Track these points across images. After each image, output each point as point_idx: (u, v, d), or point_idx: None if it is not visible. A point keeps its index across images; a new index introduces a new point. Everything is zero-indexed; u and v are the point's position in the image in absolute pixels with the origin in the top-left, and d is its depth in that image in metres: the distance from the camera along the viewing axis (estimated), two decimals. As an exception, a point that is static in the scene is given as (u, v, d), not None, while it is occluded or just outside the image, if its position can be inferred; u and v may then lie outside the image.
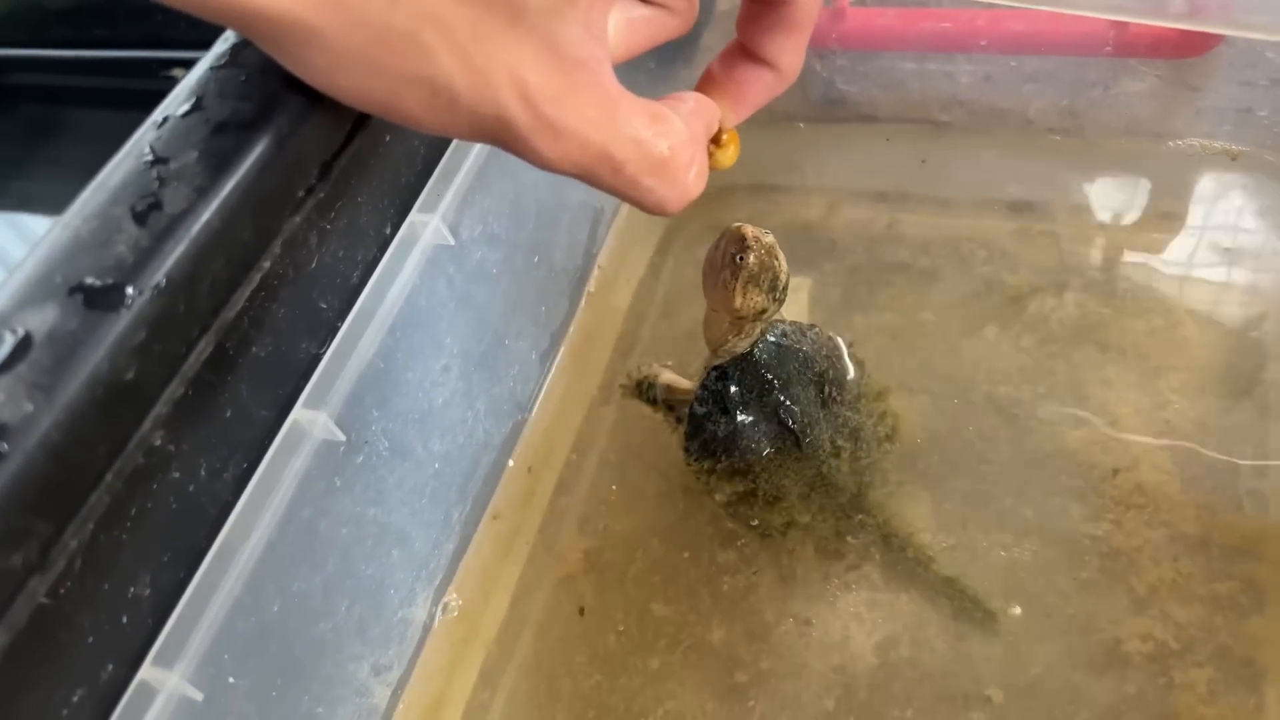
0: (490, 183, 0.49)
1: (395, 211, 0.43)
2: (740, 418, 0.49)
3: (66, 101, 0.92)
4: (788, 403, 0.49)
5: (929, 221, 0.64)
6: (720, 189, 0.68)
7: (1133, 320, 0.56)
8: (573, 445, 0.57)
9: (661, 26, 0.33)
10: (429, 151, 0.45)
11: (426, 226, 0.44)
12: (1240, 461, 0.50)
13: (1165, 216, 0.60)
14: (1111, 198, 0.62)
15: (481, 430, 0.52)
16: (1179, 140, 0.61)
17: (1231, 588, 0.47)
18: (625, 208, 0.67)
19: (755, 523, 0.51)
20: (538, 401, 0.58)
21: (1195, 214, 0.60)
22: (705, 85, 0.36)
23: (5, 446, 0.24)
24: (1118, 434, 0.52)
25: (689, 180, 0.32)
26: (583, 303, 0.62)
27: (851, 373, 0.52)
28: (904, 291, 0.60)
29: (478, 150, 0.46)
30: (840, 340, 0.53)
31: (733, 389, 0.49)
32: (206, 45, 0.35)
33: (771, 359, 0.49)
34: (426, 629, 0.50)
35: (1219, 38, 0.55)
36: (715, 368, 0.50)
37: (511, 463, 0.56)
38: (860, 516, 0.51)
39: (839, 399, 0.51)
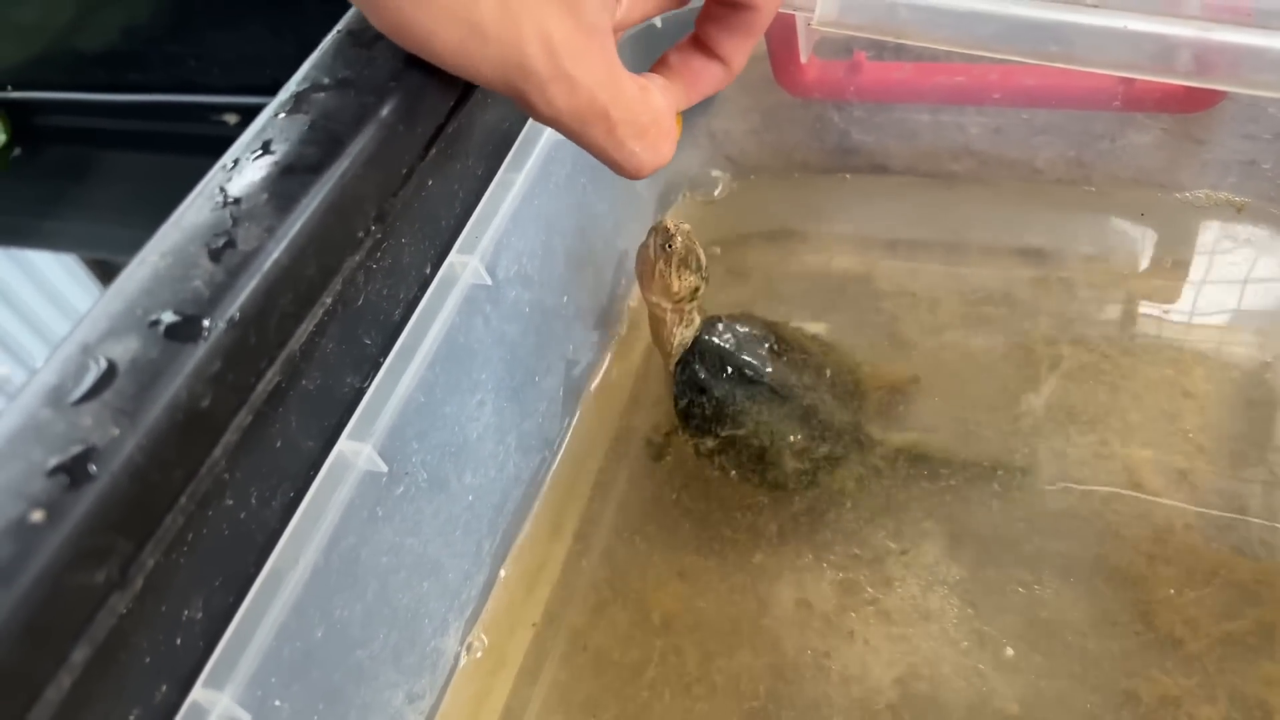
0: (524, 226, 0.51)
1: (435, 252, 0.45)
2: (717, 391, 0.55)
3: (98, 144, 0.94)
4: (748, 360, 0.55)
5: (943, 269, 0.66)
6: (739, 236, 0.70)
7: (1145, 367, 0.58)
8: (596, 481, 0.59)
9: (657, 2, 0.37)
10: (467, 195, 0.47)
11: (465, 267, 0.45)
12: (1251, 519, 0.51)
13: (1175, 265, 0.62)
14: (1122, 247, 0.64)
15: (512, 465, 0.54)
16: (1186, 192, 0.63)
17: (1244, 629, 0.48)
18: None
19: (787, 478, 0.55)
20: (565, 438, 0.60)
21: (1203, 263, 0.61)
22: (660, 72, 0.39)
23: (94, 468, 0.26)
24: (1132, 477, 0.53)
25: (666, 147, 0.36)
26: (607, 342, 0.64)
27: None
28: (920, 337, 0.62)
29: (513, 194, 0.48)
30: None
31: (699, 371, 0.55)
32: (238, 90, 0.37)
33: (719, 338, 0.56)
34: (457, 659, 0.51)
35: (1223, 94, 0.57)
36: (678, 364, 0.56)
37: (538, 497, 0.57)
38: (872, 444, 0.57)
39: (788, 348, 0.57)
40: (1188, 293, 0.61)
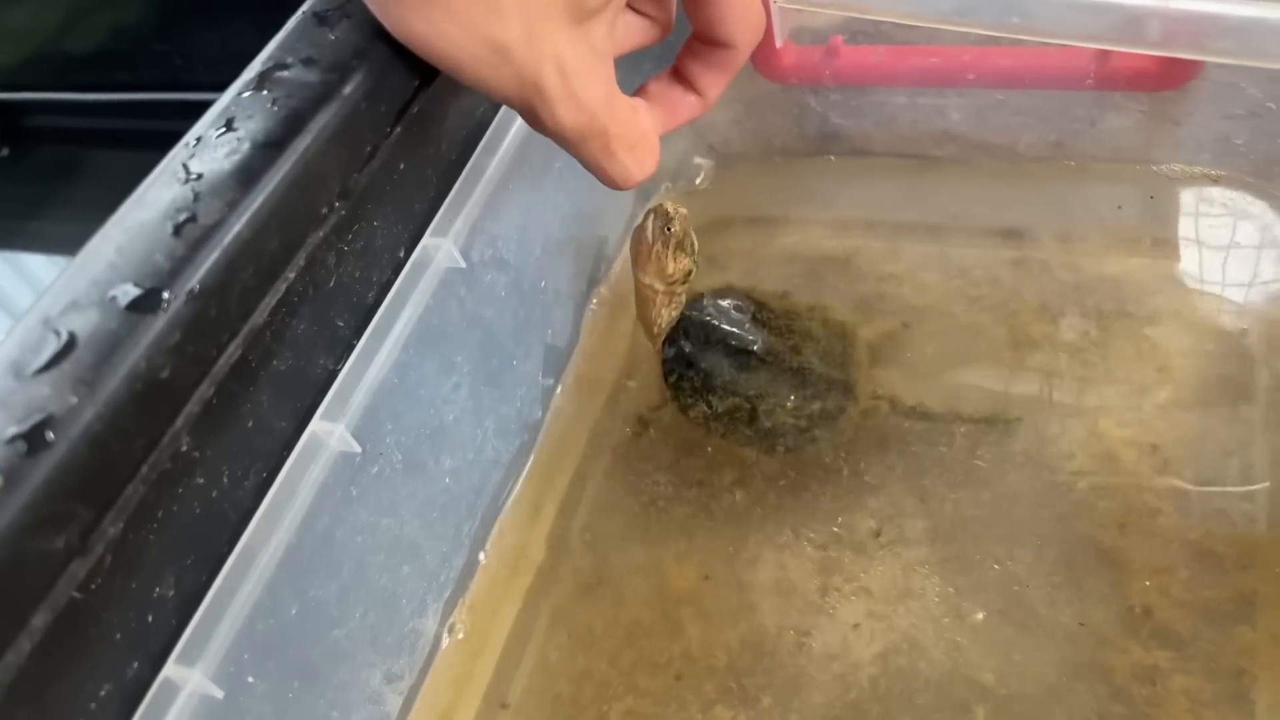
0: (499, 211, 0.51)
1: (409, 235, 0.45)
2: (704, 363, 0.56)
3: (87, 143, 0.95)
4: (732, 331, 0.57)
5: (924, 251, 0.66)
6: (718, 221, 0.70)
7: (1122, 343, 0.58)
8: (577, 465, 0.59)
9: (645, 33, 0.40)
10: (441, 180, 0.47)
11: (439, 250, 0.46)
12: (1228, 488, 0.51)
13: (1152, 243, 0.62)
14: (1100, 226, 0.64)
15: (490, 448, 0.54)
16: (1163, 167, 0.63)
17: (1221, 598, 0.48)
18: (629, 235, 0.69)
19: (783, 435, 0.56)
20: (544, 422, 0.60)
21: (1180, 240, 0.62)
22: (640, 97, 0.42)
23: (51, 436, 0.26)
24: (1108, 451, 0.54)
25: (651, 160, 0.40)
26: (587, 327, 0.64)
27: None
28: (902, 318, 0.62)
29: (487, 179, 0.48)
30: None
31: (685, 346, 0.57)
32: (225, 87, 0.37)
33: (700, 312, 0.58)
34: (437, 640, 0.51)
35: (1196, 70, 0.57)
36: (665, 342, 0.58)
37: (518, 481, 0.58)
38: (865, 401, 0.58)
39: (772, 316, 0.59)
40: (1164, 270, 0.61)
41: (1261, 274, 0.59)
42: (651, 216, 0.55)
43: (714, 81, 0.41)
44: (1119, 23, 0.38)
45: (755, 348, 0.56)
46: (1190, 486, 0.51)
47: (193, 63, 0.86)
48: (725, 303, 0.59)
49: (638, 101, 0.41)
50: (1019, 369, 0.58)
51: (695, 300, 0.58)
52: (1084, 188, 0.65)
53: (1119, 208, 0.64)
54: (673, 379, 0.57)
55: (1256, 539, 0.49)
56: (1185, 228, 0.62)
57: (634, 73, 0.43)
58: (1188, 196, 0.63)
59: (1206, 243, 0.61)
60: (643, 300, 0.57)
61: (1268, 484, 0.51)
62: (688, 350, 0.56)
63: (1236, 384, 0.54)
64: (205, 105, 0.39)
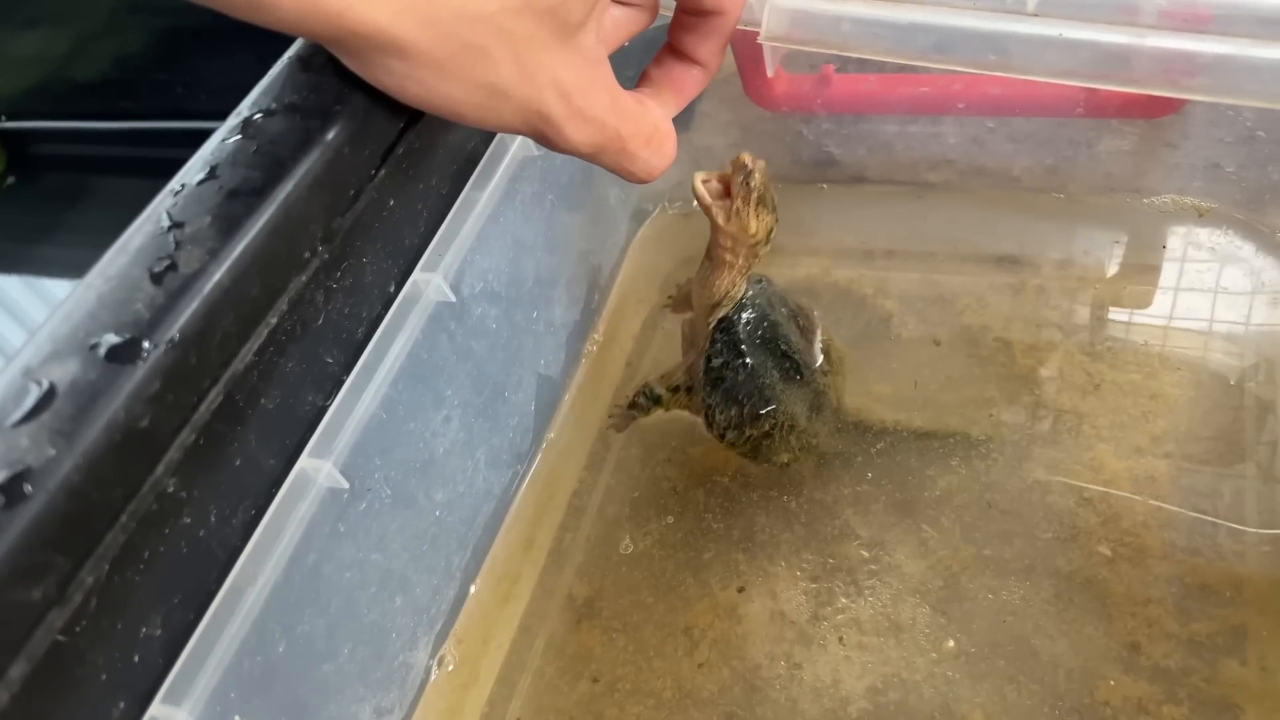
0: (490, 244, 0.51)
1: (399, 271, 0.46)
2: (752, 358, 0.53)
3: (91, 170, 0.96)
4: (786, 335, 0.54)
5: (919, 278, 0.66)
6: (715, 247, 0.70)
7: (1115, 371, 0.58)
8: (571, 495, 0.59)
9: (633, 23, 0.40)
10: (431, 215, 0.48)
11: (429, 284, 0.46)
12: (1219, 521, 0.51)
13: (1144, 270, 0.62)
14: (1094, 253, 0.64)
15: (481, 479, 0.54)
16: (1154, 196, 0.63)
17: (1210, 630, 0.48)
18: (624, 265, 0.70)
19: (785, 459, 0.56)
20: (537, 452, 0.60)
21: (1171, 268, 0.62)
22: (645, 85, 0.41)
23: (29, 488, 0.26)
24: (1100, 481, 0.54)
25: (670, 148, 0.39)
26: (581, 357, 0.65)
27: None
28: (895, 346, 0.62)
29: (477, 213, 0.49)
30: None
31: (741, 331, 0.53)
32: (226, 115, 0.38)
33: (763, 301, 0.54)
34: (427, 673, 0.51)
35: (1184, 100, 0.57)
36: (719, 321, 0.53)
37: (511, 511, 0.58)
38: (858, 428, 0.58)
39: (810, 326, 0.57)
40: (1157, 298, 0.61)
41: (1253, 308, 0.59)
42: (705, 179, 0.50)
43: (712, 49, 0.40)
44: (1095, 60, 0.38)
45: (800, 357, 0.53)
46: (1183, 517, 0.51)
47: (195, 91, 0.87)
48: (784, 296, 0.55)
49: (642, 94, 0.40)
50: (1014, 397, 0.58)
51: (757, 281, 0.54)
52: (1079, 216, 0.65)
53: (1115, 242, 0.64)
54: (717, 363, 0.53)
55: (1246, 572, 0.49)
56: (1176, 258, 0.62)
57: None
58: (1180, 226, 0.63)
59: (1198, 275, 0.61)
60: (718, 266, 0.52)
61: (1257, 517, 0.50)
62: (744, 343, 0.52)
63: (1229, 416, 0.54)
64: (207, 133, 0.39)
